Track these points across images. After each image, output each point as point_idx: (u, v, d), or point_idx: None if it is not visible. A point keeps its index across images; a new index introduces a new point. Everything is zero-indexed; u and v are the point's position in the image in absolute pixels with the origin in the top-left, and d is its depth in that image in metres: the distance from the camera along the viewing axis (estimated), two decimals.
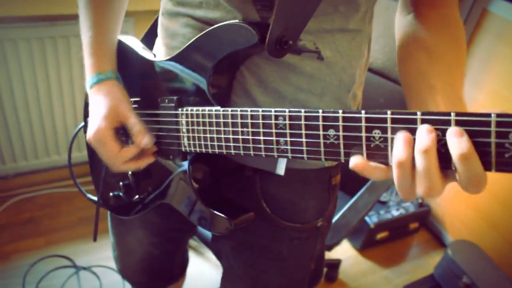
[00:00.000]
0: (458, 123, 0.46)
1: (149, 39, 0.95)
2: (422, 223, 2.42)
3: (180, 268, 1.23)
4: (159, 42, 0.87)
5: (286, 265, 0.91)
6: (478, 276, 1.86)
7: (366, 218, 2.13)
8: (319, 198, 0.88)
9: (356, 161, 0.53)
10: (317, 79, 0.75)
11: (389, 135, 0.51)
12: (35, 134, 2.06)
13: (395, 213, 2.21)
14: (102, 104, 0.80)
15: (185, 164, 0.80)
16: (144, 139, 0.79)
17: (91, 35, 0.83)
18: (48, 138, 2.11)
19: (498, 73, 2.01)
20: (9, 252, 1.95)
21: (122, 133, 0.82)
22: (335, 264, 2.08)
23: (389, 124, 0.51)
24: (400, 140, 0.49)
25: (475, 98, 2.13)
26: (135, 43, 0.89)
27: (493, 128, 0.44)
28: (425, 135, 0.47)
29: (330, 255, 2.15)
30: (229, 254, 0.97)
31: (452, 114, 0.46)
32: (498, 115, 0.43)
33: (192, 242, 2.07)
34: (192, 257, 1.96)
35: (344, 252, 2.24)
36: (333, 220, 1.36)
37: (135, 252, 1.11)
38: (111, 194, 0.95)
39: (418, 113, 0.49)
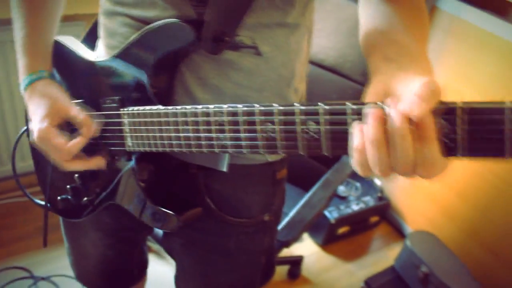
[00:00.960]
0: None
1: (92, 40, 0.94)
2: (383, 216, 2.46)
3: (138, 269, 1.21)
4: (100, 42, 0.86)
5: (234, 260, 0.92)
6: (436, 265, 1.91)
7: (327, 214, 2.15)
8: (264, 193, 0.89)
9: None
10: (256, 74, 0.75)
11: (321, 126, 0.52)
12: None
13: (355, 207, 2.25)
14: (40, 105, 0.79)
15: (131, 164, 0.80)
16: (90, 126, 0.78)
17: (24, 35, 0.82)
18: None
19: (449, 67, 2.06)
20: None
21: (68, 128, 0.81)
22: (297, 261, 2.09)
23: (321, 116, 0.52)
24: (371, 118, 0.48)
25: None
26: (74, 44, 0.87)
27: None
28: (393, 113, 0.47)
29: (292, 251, 2.17)
30: (180, 252, 0.97)
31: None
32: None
33: (155, 246, 2.05)
34: (154, 261, 1.94)
35: (306, 248, 2.26)
36: (289, 217, 1.37)
37: (90, 255, 1.09)
38: (59, 198, 0.93)
39: (348, 103, 0.50)
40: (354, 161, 0.51)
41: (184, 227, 0.79)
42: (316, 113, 0.52)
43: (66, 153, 0.78)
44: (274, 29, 0.73)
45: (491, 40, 1.86)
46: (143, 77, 0.73)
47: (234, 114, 0.60)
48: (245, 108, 0.59)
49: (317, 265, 2.20)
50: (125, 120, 0.77)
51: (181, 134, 0.68)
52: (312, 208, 1.36)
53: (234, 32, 0.68)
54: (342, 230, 2.26)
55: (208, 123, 0.64)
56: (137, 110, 0.74)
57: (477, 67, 1.94)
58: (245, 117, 0.59)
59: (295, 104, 0.54)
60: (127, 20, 0.76)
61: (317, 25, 1.47)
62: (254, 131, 0.59)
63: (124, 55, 0.76)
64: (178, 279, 1.03)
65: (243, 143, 0.61)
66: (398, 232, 2.47)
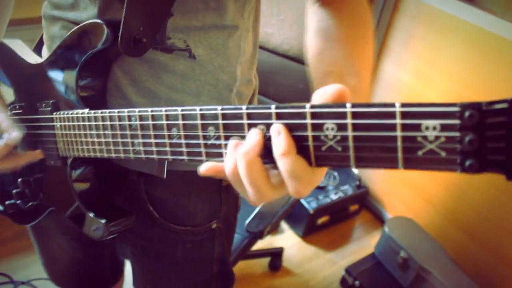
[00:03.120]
0: (279, 116, 0.44)
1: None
2: (362, 204, 2.47)
3: (112, 272, 1.21)
4: (44, 47, 0.86)
5: (183, 269, 0.91)
6: (415, 249, 1.92)
7: (305, 204, 2.16)
8: (209, 200, 0.86)
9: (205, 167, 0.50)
10: (190, 78, 0.73)
11: (221, 132, 0.49)
12: None
13: (333, 197, 2.25)
14: None
15: (66, 169, 0.79)
16: (12, 135, 0.75)
17: None
18: None
19: (418, 52, 2.08)
20: None
21: None
22: (277, 253, 2.10)
23: (220, 121, 0.49)
24: (230, 149, 0.48)
25: (400, 78, 2.20)
26: (19, 48, 0.87)
27: (308, 121, 0.42)
28: (248, 137, 0.46)
29: (273, 243, 2.18)
30: (131, 259, 0.96)
31: (272, 107, 0.44)
32: (312, 106, 0.42)
33: None
34: None
35: (287, 240, 2.27)
36: (257, 209, 1.38)
37: (60, 258, 1.08)
38: (7, 202, 0.93)
39: (243, 107, 0.47)
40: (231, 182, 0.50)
41: (132, 235, 0.78)
42: (215, 116, 0.49)
43: None
44: (208, 31, 0.70)
45: (458, 25, 1.87)
46: (72, 80, 0.72)
47: (145, 118, 0.58)
48: (154, 113, 0.56)
49: (298, 256, 2.21)
50: (57, 124, 0.76)
51: (103, 140, 0.67)
52: (281, 197, 1.36)
53: (154, 34, 0.66)
54: (322, 220, 2.27)
55: (123, 127, 0.62)
56: (66, 114, 0.73)
57: (444, 52, 1.95)
58: (154, 122, 0.56)
59: (196, 108, 0.51)
60: (66, 24, 0.75)
61: (280, 16, 1.48)
62: (162, 136, 0.56)
63: (54, 58, 0.76)
64: (134, 284, 1.02)
65: (154, 149, 0.58)
66: (378, 219, 2.49)
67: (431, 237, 2.02)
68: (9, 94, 0.88)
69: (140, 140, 0.60)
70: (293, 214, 2.24)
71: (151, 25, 0.65)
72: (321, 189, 2.28)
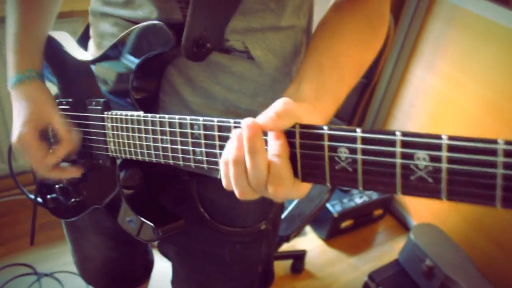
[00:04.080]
0: (365, 141, 0.45)
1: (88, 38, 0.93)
2: (387, 209, 2.44)
3: (142, 271, 1.21)
4: (91, 42, 0.85)
5: (230, 270, 0.90)
6: (440, 258, 1.89)
7: (330, 208, 2.14)
8: (260, 201, 0.83)
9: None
10: (248, 79, 0.72)
11: (297, 149, 0.50)
12: None
13: (358, 200, 2.23)
14: (23, 108, 0.77)
15: (115, 169, 0.78)
16: (70, 142, 0.76)
17: (14, 32, 0.80)
18: (0, 145, 2.05)
19: (450, 57, 2.04)
20: None
21: (49, 135, 0.80)
22: (300, 255, 2.08)
23: (298, 140, 0.49)
24: (233, 138, 0.50)
25: (430, 82, 2.16)
26: (66, 41, 0.86)
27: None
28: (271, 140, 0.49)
29: (296, 246, 2.16)
30: (174, 259, 0.96)
31: (358, 130, 0.45)
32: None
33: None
34: (158, 256, 1.94)
35: (309, 242, 2.25)
36: (287, 211, 1.36)
37: (93, 257, 1.09)
38: (48, 196, 0.92)
39: (325, 128, 0.47)
40: (221, 172, 0.54)
41: (178, 235, 0.77)
42: (293, 134, 0.50)
43: (42, 165, 0.77)
44: (266, 32, 0.69)
45: (494, 29, 1.83)
46: (126, 81, 0.71)
47: (210, 128, 0.57)
48: (220, 123, 0.56)
49: (320, 259, 2.18)
50: (109, 125, 0.74)
51: (159, 145, 0.65)
52: (310, 201, 1.35)
53: (219, 38, 0.65)
54: (345, 223, 2.24)
55: (185, 135, 0.61)
56: (119, 115, 0.72)
57: (479, 57, 1.91)
58: (220, 133, 0.56)
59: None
60: (118, 20, 0.74)
61: None
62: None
63: (106, 56, 0.74)
64: (174, 282, 1.02)
65: (219, 160, 0.57)
66: (402, 225, 2.45)
67: (457, 246, 1.98)
68: (52, 89, 0.87)
69: (203, 149, 0.59)
70: (317, 217, 2.20)
71: (215, 29, 0.63)
72: (346, 192, 2.26)
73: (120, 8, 0.72)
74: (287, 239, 1.37)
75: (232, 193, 0.81)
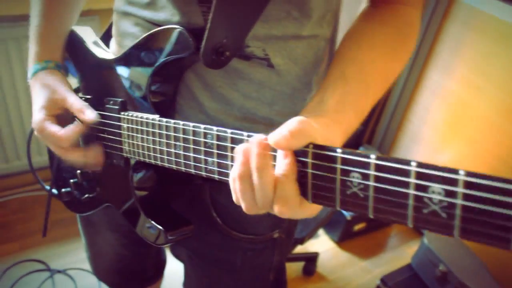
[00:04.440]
0: (379, 168, 0.43)
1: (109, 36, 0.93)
2: None
3: (154, 270, 1.21)
4: (112, 40, 0.85)
5: (241, 276, 0.89)
6: (454, 263, 1.87)
7: (343, 210, 2.13)
8: None
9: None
10: (266, 87, 0.70)
11: (309, 169, 0.49)
12: (3, 138, 2.03)
13: None
14: (39, 95, 0.78)
15: (129, 170, 0.78)
16: (86, 113, 0.74)
17: (37, 24, 0.81)
18: (17, 142, 2.07)
19: (468, 60, 2.02)
20: None
21: (71, 121, 0.78)
22: (312, 258, 2.07)
23: (309, 160, 0.49)
24: (239, 154, 0.51)
25: (447, 86, 2.13)
26: (89, 37, 0.86)
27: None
28: (280, 159, 0.49)
29: (308, 248, 2.15)
30: (186, 262, 0.95)
31: (372, 156, 0.44)
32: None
33: None
34: (169, 256, 1.94)
35: (322, 245, 2.24)
36: None
37: (106, 253, 1.09)
38: (63, 190, 0.93)
39: (338, 150, 0.46)
40: (230, 186, 0.54)
41: (190, 239, 0.77)
42: (305, 154, 0.49)
43: (61, 140, 0.75)
44: (288, 41, 0.68)
45: None
46: (143, 84, 0.71)
47: (223, 139, 0.56)
48: (234, 135, 0.56)
49: (332, 262, 2.17)
50: (124, 125, 0.74)
51: (172, 150, 0.65)
52: None
53: (239, 45, 0.64)
54: (358, 226, 2.23)
55: (198, 143, 0.60)
56: (135, 116, 0.71)
57: (497, 61, 1.88)
58: (233, 145, 0.56)
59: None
60: (139, 21, 0.74)
61: None
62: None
63: (128, 57, 0.74)
64: (185, 285, 1.01)
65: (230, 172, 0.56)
66: (415, 229, 2.43)
67: (472, 252, 1.96)
68: (72, 83, 0.86)
69: (215, 160, 0.58)
70: (330, 219, 2.21)
71: (236, 37, 0.62)
72: None
73: (142, 8, 0.72)
74: (301, 241, 1.36)
75: None
